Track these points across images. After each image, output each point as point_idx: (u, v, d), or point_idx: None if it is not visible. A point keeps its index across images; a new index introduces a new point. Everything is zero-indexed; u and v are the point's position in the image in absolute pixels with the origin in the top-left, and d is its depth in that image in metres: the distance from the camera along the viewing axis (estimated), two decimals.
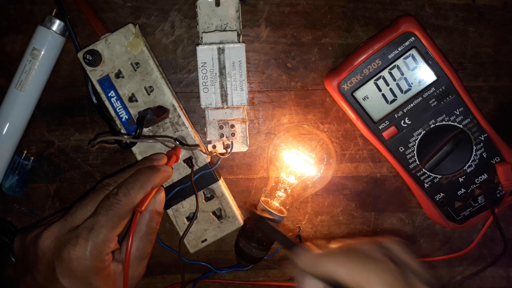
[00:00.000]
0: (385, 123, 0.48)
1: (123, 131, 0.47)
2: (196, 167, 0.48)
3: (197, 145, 0.47)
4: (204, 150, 0.48)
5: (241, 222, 0.50)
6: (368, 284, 0.32)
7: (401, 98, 0.48)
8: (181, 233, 0.49)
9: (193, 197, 0.48)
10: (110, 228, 0.39)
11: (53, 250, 0.39)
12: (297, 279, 0.36)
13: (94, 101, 0.48)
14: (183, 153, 0.48)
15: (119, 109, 0.47)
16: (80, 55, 0.45)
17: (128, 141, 0.46)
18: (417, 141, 0.49)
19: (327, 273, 0.34)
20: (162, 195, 0.44)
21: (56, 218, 0.41)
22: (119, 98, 0.47)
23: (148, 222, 0.43)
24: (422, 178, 0.49)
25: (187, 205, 0.49)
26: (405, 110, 0.48)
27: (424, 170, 0.49)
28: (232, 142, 0.49)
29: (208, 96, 0.47)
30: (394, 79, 0.47)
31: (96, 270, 0.38)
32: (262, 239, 0.47)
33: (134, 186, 0.40)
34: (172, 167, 0.47)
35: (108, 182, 0.42)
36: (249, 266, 0.50)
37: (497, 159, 0.49)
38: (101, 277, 0.39)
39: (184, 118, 0.47)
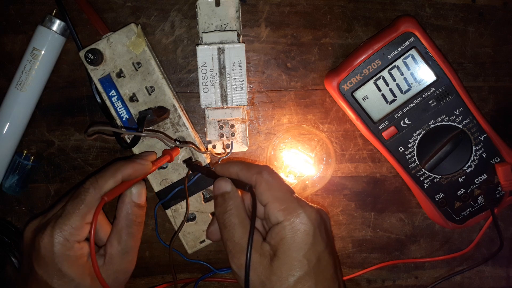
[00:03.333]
0: (385, 123, 0.48)
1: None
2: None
3: (192, 143, 0.47)
4: (202, 149, 0.48)
5: None
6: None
7: (401, 98, 0.48)
8: (180, 234, 0.49)
9: (192, 197, 0.49)
10: (76, 216, 0.40)
11: (31, 240, 0.41)
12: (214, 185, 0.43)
13: (98, 100, 0.47)
14: (183, 154, 0.48)
15: (119, 108, 0.47)
16: (81, 54, 0.45)
17: (126, 136, 0.47)
18: (416, 141, 0.49)
19: (230, 174, 0.43)
20: (140, 188, 0.44)
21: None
22: (120, 97, 0.47)
23: (127, 215, 0.43)
24: (421, 178, 0.49)
25: (186, 205, 0.49)
26: (404, 110, 0.48)
27: (423, 170, 0.49)
28: (232, 142, 0.49)
29: (208, 96, 0.47)
30: (394, 79, 0.47)
31: (65, 257, 0.39)
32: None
33: (103, 176, 0.41)
34: (165, 166, 0.47)
35: (89, 179, 0.43)
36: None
37: (496, 159, 0.49)
38: (73, 265, 0.40)
39: (184, 119, 0.47)
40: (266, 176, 0.41)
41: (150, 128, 0.47)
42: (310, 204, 0.41)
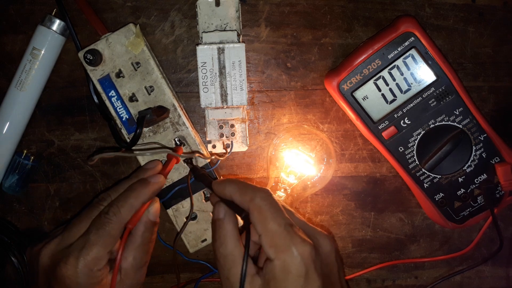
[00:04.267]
0: (385, 123, 0.48)
1: (123, 131, 0.47)
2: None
3: (196, 152, 0.47)
4: (204, 155, 0.48)
5: (241, 221, 0.50)
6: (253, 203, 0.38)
7: (401, 98, 0.48)
8: (181, 233, 0.49)
9: (193, 196, 0.48)
10: (100, 247, 0.40)
11: (49, 267, 0.41)
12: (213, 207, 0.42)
13: (96, 101, 0.48)
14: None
15: (119, 108, 0.47)
16: (80, 54, 0.45)
17: (126, 136, 0.47)
18: (416, 141, 0.49)
19: (224, 195, 0.41)
20: (156, 206, 0.44)
21: (58, 232, 0.43)
22: (119, 97, 0.47)
23: (143, 233, 0.43)
24: (421, 178, 0.49)
25: (187, 205, 0.49)
26: (404, 110, 0.48)
27: (423, 170, 0.49)
28: (232, 141, 0.49)
29: (208, 96, 0.47)
30: (394, 79, 0.47)
31: (89, 286, 0.40)
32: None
33: (124, 204, 0.42)
34: (171, 170, 0.47)
35: (103, 197, 0.44)
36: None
37: (496, 159, 0.49)
38: None
39: (184, 118, 0.47)
40: (259, 203, 0.38)
41: (150, 127, 0.47)
42: (316, 230, 0.39)
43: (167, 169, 0.45)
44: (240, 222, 0.42)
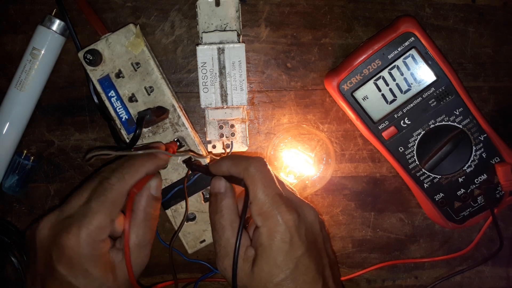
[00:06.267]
0: (385, 123, 0.48)
1: (123, 131, 0.47)
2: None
3: (192, 150, 0.47)
4: (202, 153, 0.48)
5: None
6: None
7: (401, 98, 0.48)
8: (180, 234, 0.49)
9: (192, 197, 0.49)
10: (103, 214, 0.38)
11: (49, 238, 0.39)
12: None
13: (96, 101, 0.48)
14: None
15: (119, 109, 0.47)
16: (80, 54, 0.45)
17: (125, 137, 0.47)
18: (416, 141, 0.49)
19: (222, 172, 0.43)
20: (158, 181, 0.43)
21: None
22: (119, 98, 0.47)
23: (145, 208, 0.42)
24: (421, 178, 0.49)
25: (185, 205, 0.49)
26: (404, 110, 0.48)
27: (423, 170, 0.49)
28: (232, 142, 0.49)
29: (208, 96, 0.47)
30: (394, 79, 0.47)
31: (92, 257, 0.38)
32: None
33: (128, 171, 0.41)
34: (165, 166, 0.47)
35: (104, 169, 0.42)
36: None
37: (496, 159, 0.49)
38: (98, 264, 0.39)
39: (184, 119, 0.47)
40: (253, 172, 0.40)
41: (150, 128, 0.47)
42: (303, 202, 0.41)
43: (168, 151, 0.45)
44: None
